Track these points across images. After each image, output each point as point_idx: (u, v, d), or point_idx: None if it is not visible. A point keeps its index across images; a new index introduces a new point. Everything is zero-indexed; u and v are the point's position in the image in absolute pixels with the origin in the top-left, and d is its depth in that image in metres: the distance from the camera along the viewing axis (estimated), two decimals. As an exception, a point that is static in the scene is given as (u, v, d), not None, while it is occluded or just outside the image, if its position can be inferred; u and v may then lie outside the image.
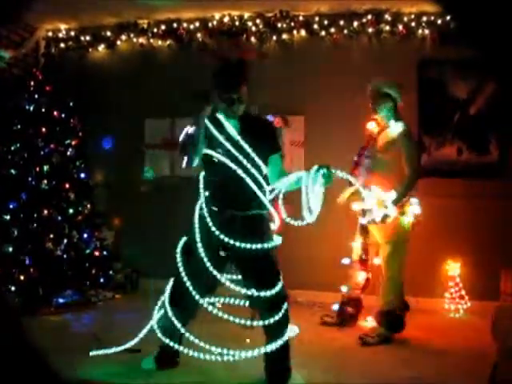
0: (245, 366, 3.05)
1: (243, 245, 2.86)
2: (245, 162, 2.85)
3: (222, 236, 2.89)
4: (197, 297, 2.95)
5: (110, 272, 5.13)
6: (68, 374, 2.97)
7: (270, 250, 2.95)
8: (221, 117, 2.93)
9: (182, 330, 3.02)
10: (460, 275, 4.63)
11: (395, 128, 3.82)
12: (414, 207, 3.82)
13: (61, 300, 4.63)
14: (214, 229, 2.90)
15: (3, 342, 1.37)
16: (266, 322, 2.87)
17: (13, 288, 4.48)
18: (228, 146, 2.86)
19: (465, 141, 4.79)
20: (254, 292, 2.86)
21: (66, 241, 4.77)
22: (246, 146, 2.86)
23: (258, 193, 2.89)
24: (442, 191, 4.69)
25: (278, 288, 2.89)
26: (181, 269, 3.00)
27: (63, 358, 3.13)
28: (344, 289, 4.17)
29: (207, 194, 2.99)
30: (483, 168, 4.75)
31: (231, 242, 2.87)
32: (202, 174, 3.04)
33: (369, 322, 4.12)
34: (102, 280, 5.00)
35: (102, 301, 4.87)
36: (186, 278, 2.97)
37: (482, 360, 2.99)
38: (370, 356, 3.57)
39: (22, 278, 4.51)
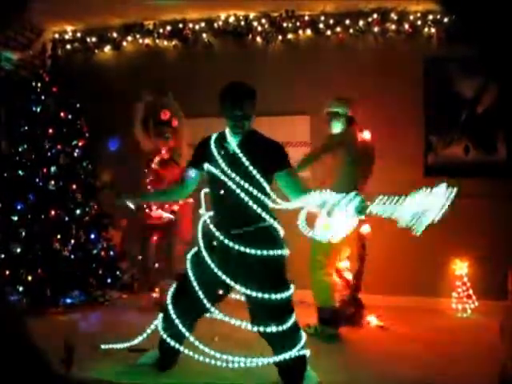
0: (254, 368, 3.03)
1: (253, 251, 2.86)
2: (241, 181, 2.85)
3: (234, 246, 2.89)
4: (203, 299, 2.94)
5: (117, 272, 5.14)
6: (75, 373, 2.99)
7: (281, 258, 2.95)
8: (227, 134, 2.97)
9: (186, 333, 3.01)
10: (467, 274, 4.61)
11: None
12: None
13: (68, 300, 4.66)
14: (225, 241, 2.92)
15: (5, 342, 1.38)
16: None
17: (21, 288, 4.51)
18: (224, 164, 2.88)
19: (472, 139, 4.77)
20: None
21: (73, 241, 4.79)
22: (243, 160, 2.87)
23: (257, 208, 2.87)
24: (448, 190, 4.66)
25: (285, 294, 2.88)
26: (190, 273, 3.00)
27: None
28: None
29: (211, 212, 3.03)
30: (491, 167, 4.72)
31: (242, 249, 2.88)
32: (206, 190, 3.08)
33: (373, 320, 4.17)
34: (108, 280, 5.01)
35: (108, 301, 4.88)
36: (194, 281, 2.96)
37: (490, 360, 2.98)
38: (376, 355, 3.57)
39: (29, 278, 4.54)
